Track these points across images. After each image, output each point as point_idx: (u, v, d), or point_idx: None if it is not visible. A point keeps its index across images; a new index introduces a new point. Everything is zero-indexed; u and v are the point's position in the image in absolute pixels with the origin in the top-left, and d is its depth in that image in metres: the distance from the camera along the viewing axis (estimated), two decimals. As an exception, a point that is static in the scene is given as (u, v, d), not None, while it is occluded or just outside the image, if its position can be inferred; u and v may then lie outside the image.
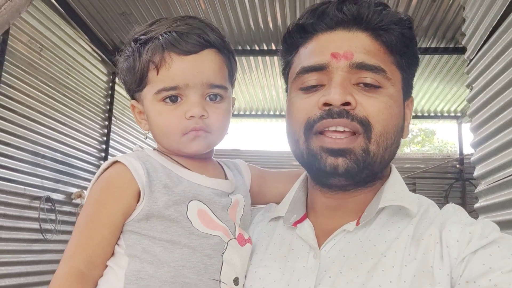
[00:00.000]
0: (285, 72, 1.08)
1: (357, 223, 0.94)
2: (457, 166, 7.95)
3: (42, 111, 4.72)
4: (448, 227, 0.87)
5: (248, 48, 5.98)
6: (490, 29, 2.88)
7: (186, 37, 0.96)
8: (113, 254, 0.94)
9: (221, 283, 0.93)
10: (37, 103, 4.65)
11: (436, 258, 0.83)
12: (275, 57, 6.25)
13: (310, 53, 0.98)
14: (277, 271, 0.95)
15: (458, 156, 8.15)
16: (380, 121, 0.91)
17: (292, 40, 1.03)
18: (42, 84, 4.71)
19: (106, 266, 0.93)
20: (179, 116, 0.97)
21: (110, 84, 6.28)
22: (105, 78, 6.12)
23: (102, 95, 6.05)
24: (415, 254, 0.85)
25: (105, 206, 0.92)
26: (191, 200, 0.95)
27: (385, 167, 0.99)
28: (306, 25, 0.99)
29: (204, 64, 0.97)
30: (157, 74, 0.96)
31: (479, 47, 3.07)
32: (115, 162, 0.96)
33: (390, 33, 0.94)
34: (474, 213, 3.07)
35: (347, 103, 0.90)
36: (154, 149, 1.05)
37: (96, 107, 5.89)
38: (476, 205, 3.01)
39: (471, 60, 3.20)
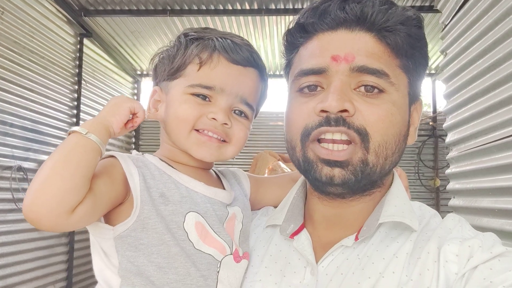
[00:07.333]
0: (286, 71, 1.04)
1: (356, 238, 0.91)
2: (430, 123, 8.06)
3: (6, 78, 4.52)
4: (447, 243, 0.85)
5: (218, 7, 5.76)
6: (466, -5, 2.84)
7: (239, 48, 1.00)
8: (105, 274, 0.91)
9: None
10: (1, 70, 4.44)
11: (434, 278, 0.81)
12: (241, 17, 5.95)
13: (310, 54, 0.93)
14: (272, 286, 0.92)
15: (431, 114, 8.26)
16: (378, 131, 0.87)
17: (292, 38, 0.98)
18: (5, 49, 4.48)
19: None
20: (200, 112, 0.96)
21: (78, 46, 6.03)
22: (72, 40, 5.86)
23: (70, 58, 5.82)
24: (411, 275, 0.83)
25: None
26: (189, 212, 0.92)
27: (385, 175, 0.96)
28: (307, 24, 0.93)
29: (245, 79, 1.00)
30: (198, 69, 0.97)
31: (454, 12, 3.03)
32: (111, 156, 0.93)
33: (396, 34, 0.88)
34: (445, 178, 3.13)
35: (345, 110, 0.86)
36: (154, 155, 1.02)
37: (64, 71, 5.66)
38: (448, 171, 3.08)
39: (446, 26, 3.17)
